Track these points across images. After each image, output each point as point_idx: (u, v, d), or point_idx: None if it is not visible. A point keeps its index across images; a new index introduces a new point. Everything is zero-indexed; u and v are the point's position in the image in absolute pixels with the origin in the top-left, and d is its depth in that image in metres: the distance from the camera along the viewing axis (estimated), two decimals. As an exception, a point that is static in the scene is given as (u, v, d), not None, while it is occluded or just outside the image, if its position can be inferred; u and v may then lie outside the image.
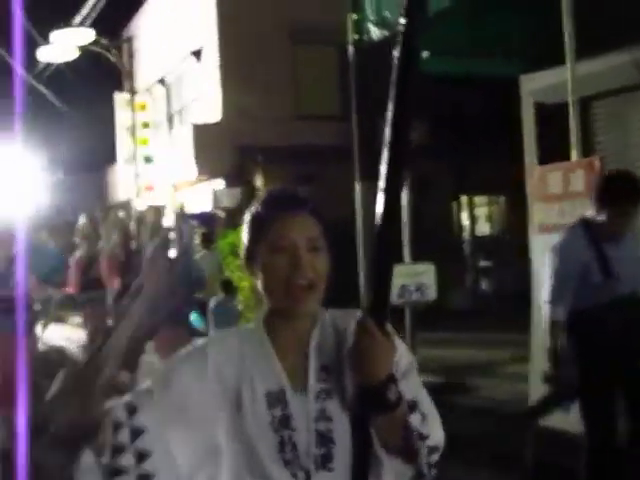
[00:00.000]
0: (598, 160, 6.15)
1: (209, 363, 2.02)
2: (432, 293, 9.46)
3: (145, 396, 1.97)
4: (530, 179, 6.61)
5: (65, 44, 18.66)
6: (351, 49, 9.30)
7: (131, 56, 23.82)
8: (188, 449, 1.94)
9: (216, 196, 18.01)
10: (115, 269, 14.48)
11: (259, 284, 2.04)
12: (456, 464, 4.81)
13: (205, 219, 17.65)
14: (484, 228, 20.08)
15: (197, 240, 13.39)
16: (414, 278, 9.34)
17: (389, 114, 1.85)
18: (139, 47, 23.75)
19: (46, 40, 18.38)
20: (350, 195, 10.31)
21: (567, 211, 6.19)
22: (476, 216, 19.82)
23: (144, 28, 23.41)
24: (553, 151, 10.07)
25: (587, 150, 10.50)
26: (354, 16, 9.02)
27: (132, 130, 21.75)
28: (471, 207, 19.73)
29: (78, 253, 15.27)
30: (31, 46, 18.52)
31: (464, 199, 19.53)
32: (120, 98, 22.28)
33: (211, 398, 1.98)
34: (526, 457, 6.22)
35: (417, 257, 9.90)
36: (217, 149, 17.92)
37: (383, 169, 1.85)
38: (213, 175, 18.31)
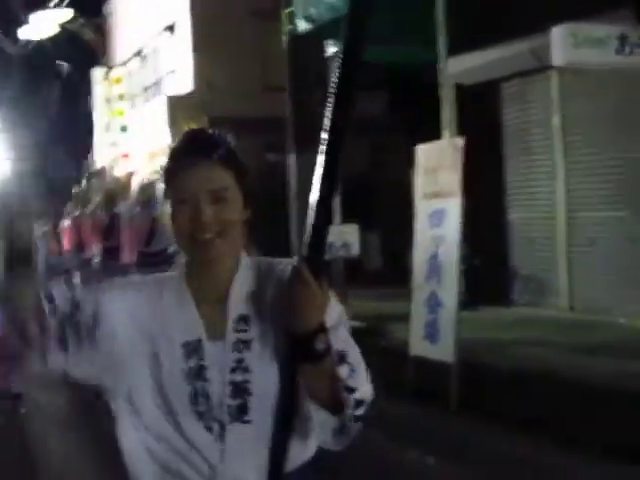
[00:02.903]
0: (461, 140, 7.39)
1: (128, 304, 2.01)
2: (355, 250, 10.84)
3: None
4: (416, 155, 7.80)
5: (44, 23, 19.80)
6: (284, 38, 10.59)
7: (108, 32, 24.65)
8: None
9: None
10: (97, 232, 15.23)
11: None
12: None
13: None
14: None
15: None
16: (341, 237, 10.73)
17: (333, 89, 1.82)
18: (116, 24, 24.57)
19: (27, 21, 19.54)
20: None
21: (440, 182, 7.46)
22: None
23: (120, 5, 24.19)
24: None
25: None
26: (287, 10, 10.31)
27: (108, 102, 22.85)
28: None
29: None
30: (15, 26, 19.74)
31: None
32: (97, 72, 23.27)
33: (128, 340, 1.98)
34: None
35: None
36: (189, 119, 18.96)
37: (324, 135, 1.83)
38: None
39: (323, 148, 1.84)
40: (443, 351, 7.34)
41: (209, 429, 1.94)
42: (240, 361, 1.95)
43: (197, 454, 1.95)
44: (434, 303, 7.49)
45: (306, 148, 10.91)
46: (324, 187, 1.83)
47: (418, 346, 7.67)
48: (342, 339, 1.98)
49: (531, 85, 11.31)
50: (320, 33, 10.16)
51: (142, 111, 22.16)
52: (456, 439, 6.48)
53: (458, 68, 11.53)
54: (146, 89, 22.61)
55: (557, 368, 7.71)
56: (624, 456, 5.72)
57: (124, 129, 22.14)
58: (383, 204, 16.37)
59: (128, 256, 10.31)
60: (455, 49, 11.27)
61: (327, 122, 1.83)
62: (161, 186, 2.07)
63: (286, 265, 1.98)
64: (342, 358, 1.95)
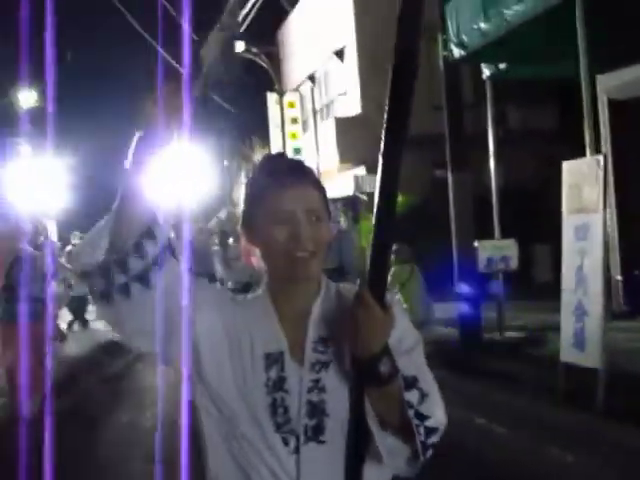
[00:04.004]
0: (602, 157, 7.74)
1: (221, 301, 2.05)
2: (514, 264, 11.23)
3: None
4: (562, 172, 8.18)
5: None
6: (441, 63, 11.16)
7: (280, 60, 25.85)
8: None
9: (358, 181, 19.62)
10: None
11: (258, 252, 2.04)
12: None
13: (349, 202, 19.68)
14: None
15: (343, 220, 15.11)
16: (499, 251, 11.16)
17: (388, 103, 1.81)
18: (287, 51, 25.83)
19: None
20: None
21: (584, 197, 7.83)
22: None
23: (291, 33, 25.43)
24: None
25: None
26: (442, 36, 10.89)
27: (282, 125, 23.83)
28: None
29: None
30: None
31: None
32: (271, 98, 24.34)
33: (215, 334, 1.99)
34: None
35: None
36: (357, 139, 19.47)
37: (382, 151, 1.80)
38: (354, 163, 20.13)
39: (380, 165, 1.82)
40: (591, 358, 7.65)
41: (286, 442, 1.94)
42: (317, 381, 1.96)
43: (277, 462, 1.94)
44: (581, 312, 7.83)
45: (462, 166, 11.38)
46: (383, 206, 1.83)
47: (568, 353, 8.01)
48: (415, 365, 1.98)
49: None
50: (472, 58, 10.68)
51: (314, 133, 23.18)
52: (597, 439, 6.84)
53: (612, 83, 11.81)
54: (317, 112, 23.65)
55: None
56: None
57: (298, 151, 23.08)
58: (555, 216, 16.60)
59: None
60: (608, 64, 11.55)
61: (383, 138, 1.81)
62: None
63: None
64: (413, 383, 1.94)
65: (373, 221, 1.83)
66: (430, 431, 1.92)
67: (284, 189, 1.95)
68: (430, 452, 1.93)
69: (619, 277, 12.01)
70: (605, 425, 7.16)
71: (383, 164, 1.81)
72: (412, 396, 1.92)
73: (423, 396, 1.93)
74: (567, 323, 8.06)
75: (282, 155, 2.14)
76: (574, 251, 7.98)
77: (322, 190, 2.02)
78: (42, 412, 8.92)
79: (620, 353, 8.65)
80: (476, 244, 11.13)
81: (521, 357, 10.12)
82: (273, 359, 1.97)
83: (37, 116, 25.08)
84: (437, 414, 1.95)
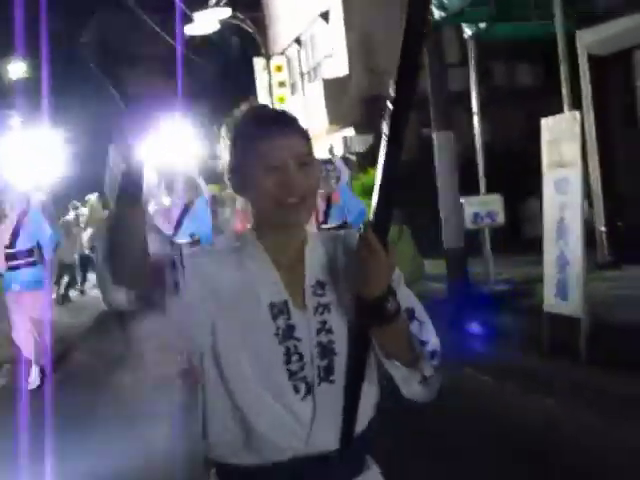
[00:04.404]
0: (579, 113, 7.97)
1: (210, 272, 2.01)
2: (501, 219, 11.49)
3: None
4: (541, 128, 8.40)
5: (207, 21, 21.42)
6: (426, 24, 11.31)
7: (266, 25, 25.86)
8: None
9: (347, 142, 19.82)
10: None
11: (248, 198, 2.06)
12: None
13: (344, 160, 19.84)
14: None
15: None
16: (484, 206, 11.41)
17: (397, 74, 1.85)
18: (273, 15, 25.83)
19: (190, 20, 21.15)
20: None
21: (563, 152, 8.06)
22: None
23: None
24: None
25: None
26: (423, -2, 11.02)
27: (270, 89, 23.94)
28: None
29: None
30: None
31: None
32: (258, 62, 24.39)
33: (213, 307, 1.98)
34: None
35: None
36: (345, 101, 19.95)
37: (389, 105, 1.86)
38: (343, 124, 20.28)
39: (388, 117, 1.86)
40: (573, 307, 7.91)
41: (296, 389, 1.99)
42: (324, 323, 2.02)
43: (291, 416, 1.98)
44: (563, 262, 8.07)
45: (445, 125, 11.57)
46: (389, 156, 1.87)
47: (551, 304, 8.29)
48: (408, 297, 2.10)
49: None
50: (453, 18, 10.84)
51: (302, 96, 23.30)
52: (577, 386, 7.12)
53: (592, 39, 11.96)
54: (304, 75, 23.75)
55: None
56: None
57: (286, 114, 23.25)
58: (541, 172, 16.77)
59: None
60: (589, 20, 11.71)
61: (391, 96, 1.86)
62: (225, 159, 2.11)
63: (351, 235, 2.08)
64: (411, 315, 2.07)
65: (378, 166, 1.89)
66: (432, 354, 2.06)
67: (271, 138, 1.98)
68: (438, 375, 2.07)
69: (603, 228, 12.25)
70: (587, 372, 7.41)
71: (391, 114, 1.87)
72: (413, 326, 2.05)
73: (421, 324, 2.07)
74: (550, 274, 8.32)
75: (265, 106, 2.19)
76: (555, 205, 8.21)
77: (307, 137, 2.06)
78: (44, 378, 9.25)
79: (603, 302, 8.91)
80: (462, 200, 11.37)
81: (508, 309, 10.39)
82: (278, 309, 2.00)
83: (28, 88, 25.13)
84: (433, 338, 2.08)
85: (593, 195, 12.45)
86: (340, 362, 2.01)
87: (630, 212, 12.26)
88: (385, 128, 1.87)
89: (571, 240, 7.94)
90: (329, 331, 2.02)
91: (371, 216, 1.91)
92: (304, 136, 2.05)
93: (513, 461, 5.52)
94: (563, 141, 8.03)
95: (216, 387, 2.01)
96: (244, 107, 2.10)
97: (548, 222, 8.35)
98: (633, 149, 12.18)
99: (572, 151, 7.88)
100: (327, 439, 2.01)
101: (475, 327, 9.78)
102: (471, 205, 11.32)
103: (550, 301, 8.30)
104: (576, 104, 8.39)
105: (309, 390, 1.99)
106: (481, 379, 7.75)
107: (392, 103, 1.86)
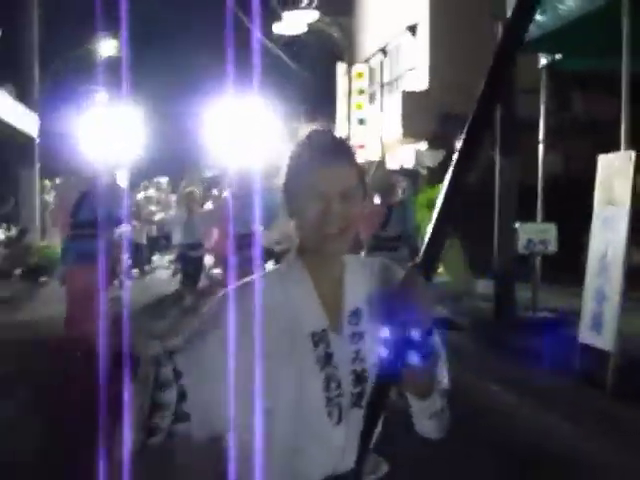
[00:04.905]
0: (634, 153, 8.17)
1: (260, 301, 2.00)
2: (552, 247, 11.73)
3: (189, 341, 1.96)
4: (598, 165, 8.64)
5: (296, 21, 21.96)
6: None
7: (353, 31, 26.23)
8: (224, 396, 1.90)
9: (418, 155, 20.20)
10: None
11: (294, 222, 2.09)
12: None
13: (408, 174, 20.13)
14: None
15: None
16: (539, 234, 11.67)
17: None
18: (360, 23, 26.18)
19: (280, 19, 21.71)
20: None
21: (614, 190, 8.31)
22: None
23: (365, 6, 25.71)
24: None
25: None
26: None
27: (349, 95, 24.36)
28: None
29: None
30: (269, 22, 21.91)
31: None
32: (341, 67, 24.93)
33: (262, 335, 1.96)
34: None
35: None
36: (422, 115, 20.15)
37: (462, 140, 1.85)
38: (416, 137, 20.66)
39: (458, 150, 1.87)
40: (605, 340, 8.13)
41: (330, 415, 2.02)
42: (358, 352, 2.06)
43: (324, 436, 2.04)
44: (600, 297, 8.33)
45: (511, 150, 11.81)
46: (449, 194, 1.88)
47: (586, 335, 8.52)
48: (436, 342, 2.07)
49: None
50: (527, 47, 11.04)
51: (380, 106, 23.62)
52: (602, 414, 7.39)
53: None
54: (385, 85, 24.07)
55: None
56: None
57: (362, 122, 23.57)
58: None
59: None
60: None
61: (470, 118, 1.85)
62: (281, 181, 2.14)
63: (390, 267, 2.19)
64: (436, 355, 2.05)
65: (438, 199, 1.89)
66: (444, 393, 2.11)
67: (321, 167, 2.02)
68: (448, 414, 2.12)
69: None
70: (611, 403, 7.66)
71: (459, 154, 1.87)
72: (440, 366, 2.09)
73: (442, 364, 2.11)
74: (587, 307, 8.56)
75: (324, 132, 2.16)
76: (601, 240, 8.46)
77: (358, 168, 2.09)
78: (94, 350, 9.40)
79: (636, 338, 9.14)
80: (517, 225, 11.63)
81: (548, 336, 10.63)
82: (319, 337, 2.04)
83: (117, 65, 25.83)
84: (445, 379, 2.12)
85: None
86: (370, 388, 2.05)
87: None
88: (459, 144, 1.88)
89: (612, 276, 8.17)
90: (362, 360, 2.07)
91: (423, 252, 1.92)
92: (355, 168, 2.08)
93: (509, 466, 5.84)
94: (615, 179, 8.27)
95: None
96: (308, 128, 2.15)
97: (593, 256, 8.58)
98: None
99: (623, 190, 8.12)
100: (351, 460, 2.05)
101: (515, 348, 10.04)
102: (525, 231, 11.59)
103: (585, 332, 8.54)
104: (629, 143, 8.53)
105: (340, 416, 2.04)
106: (505, 397, 8.05)
107: (471, 122, 1.86)
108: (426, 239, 1.90)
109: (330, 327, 2.06)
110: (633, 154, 8.15)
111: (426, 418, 2.11)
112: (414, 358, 1.87)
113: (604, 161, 8.54)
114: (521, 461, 6.10)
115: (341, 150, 2.08)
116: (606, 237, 8.38)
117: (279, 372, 1.98)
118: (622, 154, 8.37)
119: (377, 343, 1.95)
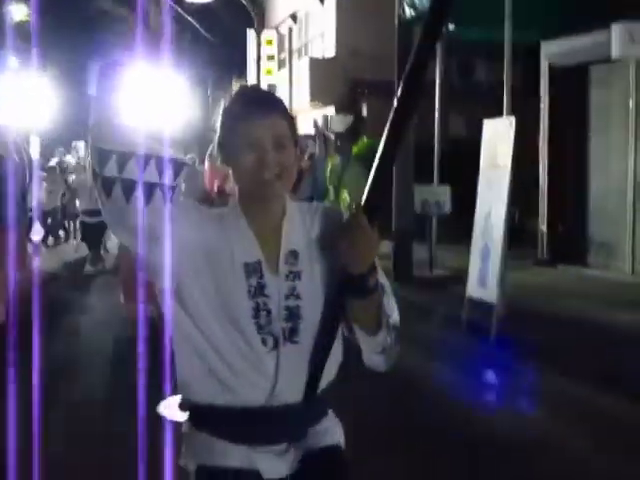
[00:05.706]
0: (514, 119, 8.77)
1: (197, 219, 2.13)
2: (447, 208, 12.35)
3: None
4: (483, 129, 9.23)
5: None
6: (396, 21, 12.12)
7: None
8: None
9: (327, 120, 20.53)
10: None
11: (231, 172, 2.17)
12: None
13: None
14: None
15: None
16: (434, 196, 12.27)
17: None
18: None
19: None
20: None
21: (498, 154, 8.92)
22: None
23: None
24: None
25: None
26: (399, -4, 11.81)
27: (258, 61, 24.55)
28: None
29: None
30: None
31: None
32: (250, 34, 25.05)
33: (192, 250, 2.09)
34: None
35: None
36: (329, 81, 20.55)
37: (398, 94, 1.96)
38: (325, 102, 21.04)
39: (395, 106, 2.00)
40: (490, 294, 8.71)
41: (264, 342, 2.11)
42: (293, 289, 2.14)
43: (256, 359, 2.13)
44: (485, 254, 8.92)
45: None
46: (389, 145, 2.02)
47: (473, 289, 9.10)
48: (379, 273, 2.17)
49: (614, 71, 12.46)
50: (422, 18, 11.55)
51: (288, 72, 23.95)
52: (480, 359, 8.00)
53: (555, 50, 12.78)
54: (294, 51, 24.36)
55: (590, 317, 9.28)
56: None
57: (272, 87, 23.87)
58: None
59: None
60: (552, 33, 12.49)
61: (401, 84, 2.00)
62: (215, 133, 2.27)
63: (332, 210, 2.31)
64: (382, 287, 2.18)
65: (379, 148, 2.04)
66: (393, 327, 2.22)
67: (254, 119, 2.11)
68: (397, 347, 2.24)
69: (544, 228, 13.13)
70: (494, 348, 8.26)
71: (397, 106, 2.02)
72: (384, 300, 2.20)
73: (388, 300, 2.22)
74: (474, 262, 9.13)
75: (254, 87, 2.40)
76: (485, 201, 9.02)
77: (290, 119, 2.19)
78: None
79: (525, 292, 9.87)
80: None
81: (443, 292, 11.26)
82: (252, 268, 2.13)
83: (27, 31, 25.45)
84: (395, 314, 2.24)
85: (540, 196, 13.34)
86: (305, 326, 2.15)
87: (572, 215, 13.14)
88: (391, 114, 2.02)
89: (494, 236, 8.74)
90: (297, 297, 2.15)
91: (364, 197, 2.07)
92: (286, 118, 2.18)
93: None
94: (498, 143, 8.84)
95: (184, 325, 2.13)
96: (237, 85, 2.52)
97: (478, 217, 9.13)
98: (581, 155, 13.09)
99: (504, 153, 8.70)
100: (291, 393, 2.15)
101: (411, 305, 10.60)
102: (421, 193, 12.15)
103: (472, 287, 9.12)
104: (510, 109, 9.11)
105: (275, 346, 2.12)
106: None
107: (399, 97, 2.01)
108: (367, 185, 2.06)
109: (266, 265, 2.14)
110: (513, 119, 8.73)
111: (376, 353, 2.23)
112: (357, 294, 2.08)
113: (488, 126, 9.12)
114: (406, 405, 6.60)
115: (271, 101, 2.20)
116: (490, 198, 8.94)
117: (200, 273, 2.11)
118: (504, 119, 8.94)
119: (315, 283, 2.16)
